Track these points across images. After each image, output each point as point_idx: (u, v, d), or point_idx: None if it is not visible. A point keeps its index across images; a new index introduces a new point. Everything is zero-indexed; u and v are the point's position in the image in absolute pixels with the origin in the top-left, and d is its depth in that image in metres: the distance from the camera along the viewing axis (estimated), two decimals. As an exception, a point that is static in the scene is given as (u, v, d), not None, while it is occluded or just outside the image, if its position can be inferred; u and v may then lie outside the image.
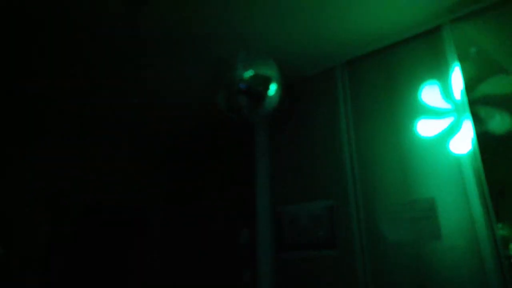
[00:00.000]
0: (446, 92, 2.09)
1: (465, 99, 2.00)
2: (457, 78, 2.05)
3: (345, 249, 2.25)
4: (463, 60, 2.06)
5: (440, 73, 2.15)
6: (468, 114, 1.97)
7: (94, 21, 2.13)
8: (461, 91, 2.02)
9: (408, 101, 2.24)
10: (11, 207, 2.59)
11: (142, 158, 3.60)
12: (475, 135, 1.92)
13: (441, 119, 2.08)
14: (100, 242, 2.65)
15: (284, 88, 2.69)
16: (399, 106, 2.27)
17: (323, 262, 2.32)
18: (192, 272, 3.17)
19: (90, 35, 2.26)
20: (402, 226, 2.06)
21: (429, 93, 2.17)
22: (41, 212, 2.71)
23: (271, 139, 2.90)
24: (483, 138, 1.91)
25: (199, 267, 3.15)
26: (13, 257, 2.51)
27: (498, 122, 1.93)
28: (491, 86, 1.98)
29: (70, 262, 2.55)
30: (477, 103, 1.99)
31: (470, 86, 2.02)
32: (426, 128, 2.12)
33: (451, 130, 2.02)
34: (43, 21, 2.09)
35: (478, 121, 1.95)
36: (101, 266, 2.61)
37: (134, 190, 3.41)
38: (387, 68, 2.39)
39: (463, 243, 1.84)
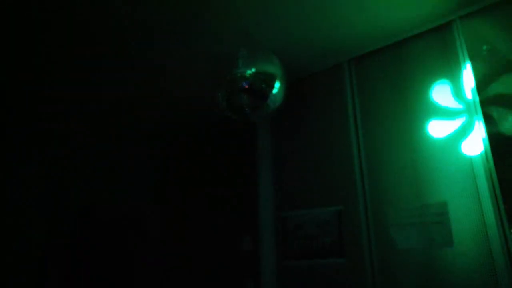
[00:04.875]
0: (457, 91, 2.16)
1: (477, 99, 2.06)
2: (468, 76, 2.11)
3: (353, 257, 2.30)
4: (474, 58, 2.12)
5: (450, 70, 2.21)
6: (479, 114, 2.02)
7: (95, 17, 2.23)
8: (472, 89, 2.08)
9: (418, 100, 2.29)
10: (6, 209, 2.69)
11: (140, 160, 3.69)
12: (487, 136, 1.97)
13: (452, 119, 2.14)
14: (97, 245, 2.73)
15: (288, 86, 2.78)
16: (408, 106, 2.32)
17: (330, 271, 2.37)
18: (192, 281, 3.24)
19: (90, 33, 2.36)
20: (413, 232, 2.11)
21: (439, 92, 2.23)
22: (37, 214, 2.81)
23: (274, 140, 2.96)
24: (496, 139, 1.97)
25: (198, 276, 3.21)
26: (9, 259, 2.61)
27: (511, 123, 1.99)
28: (503, 85, 2.03)
29: (66, 263, 2.63)
30: (489, 102, 2.04)
31: (481, 84, 2.07)
32: (437, 129, 2.18)
33: (463, 131, 2.08)
34: (45, 16, 2.20)
35: (490, 122, 2.00)
36: (98, 269, 2.69)
37: (132, 194, 3.49)
38: (396, 66, 2.45)
39: (475, 248, 1.89)
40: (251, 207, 2.95)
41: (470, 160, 2.02)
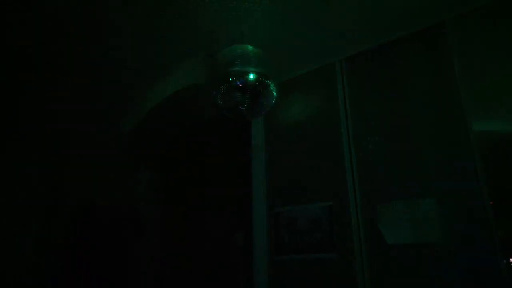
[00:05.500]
0: (447, 91, 2.23)
1: (468, 97, 2.13)
2: (458, 76, 2.18)
3: (344, 252, 2.36)
4: (465, 58, 2.19)
5: (441, 70, 2.28)
6: (469, 112, 2.10)
7: (94, 17, 2.26)
8: (462, 88, 2.15)
9: (409, 99, 2.36)
10: (5, 208, 2.70)
11: (135, 158, 3.71)
12: (476, 134, 2.04)
13: (441, 117, 2.21)
14: (93, 244, 2.75)
15: (281, 84, 2.83)
16: (399, 104, 2.39)
17: (321, 266, 2.43)
18: (187, 276, 3.28)
19: (89, 32, 2.39)
20: (402, 227, 2.17)
21: (428, 90, 2.31)
22: (32, 213, 2.82)
23: (268, 137, 3.01)
24: (485, 138, 2.04)
25: (193, 271, 3.25)
26: (3, 260, 2.62)
27: (500, 122, 2.05)
28: (494, 85, 2.10)
29: (63, 264, 2.63)
30: (478, 101, 2.12)
31: (473, 85, 2.14)
32: (426, 126, 2.25)
33: (453, 128, 2.15)
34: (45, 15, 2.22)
35: (478, 120, 2.07)
36: (94, 269, 2.71)
37: (127, 191, 3.52)
38: (387, 65, 2.51)
39: (463, 244, 1.96)
40: (244, 203, 3.00)
41: (459, 159, 2.08)
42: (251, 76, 2.12)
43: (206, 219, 3.30)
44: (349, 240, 2.36)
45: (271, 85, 2.17)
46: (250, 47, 2.26)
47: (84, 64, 2.71)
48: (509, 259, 1.99)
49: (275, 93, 2.24)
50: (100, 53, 2.60)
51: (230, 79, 2.09)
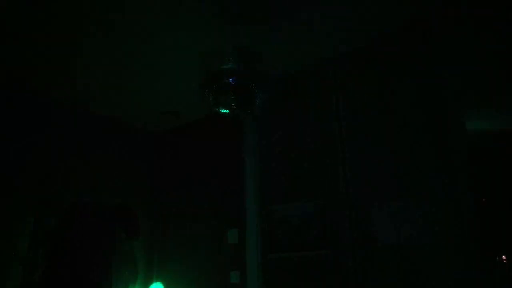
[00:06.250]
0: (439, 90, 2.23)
1: (458, 96, 2.14)
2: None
3: (337, 250, 2.37)
4: (452, 55, 2.20)
5: (429, 70, 2.29)
6: (462, 113, 2.10)
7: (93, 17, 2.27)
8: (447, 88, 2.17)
9: (400, 99, 2.36)
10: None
11: (128, 156, 3.71)
12: (465, 136, 2.06)
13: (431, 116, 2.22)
14: (85, 240, 2.73)
15: (274, 83, 2.82)
16: (392, 103, 2.39)
17: (314, 263, 2.44)
18: (179, 274, 3.29)
19: (86, 33, 2.38)
20: (393, 226, 2.18)
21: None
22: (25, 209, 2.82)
23: (261, 136, 3.00)
24: (475, 139, 2.05)
25: (186, 268, 3.26)
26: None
27: (490, 122, 2.06)
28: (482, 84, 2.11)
29: (55, 259, 2.62)
30: (468, 101, 2.13)
31: (461, 83, 2.15)
32: (419, 126, 2.26)
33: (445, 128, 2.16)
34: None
35: (470, 120, 2.09)
36: (87, 264, 2.69)
37: (120, 188, 3.52)
38: (380, 65, 2.51)
39: (455, 243, 1.97)
40: (238, 201, 3.00)
41: (451, 161, 2.08)
42: (243, 74, 2.10)
43: (198, 216, 3.30)
44: (341, 238, 2.37)
45: (264, 84, 2.16)
46: (242, 46, 2.24)
47: (78, 65, 2.69)
48: (501, 257, 2.01)
49: (268, 92, 2.22)
50: (96, 53, 2.57)
51: (223, 77, 2.07)
